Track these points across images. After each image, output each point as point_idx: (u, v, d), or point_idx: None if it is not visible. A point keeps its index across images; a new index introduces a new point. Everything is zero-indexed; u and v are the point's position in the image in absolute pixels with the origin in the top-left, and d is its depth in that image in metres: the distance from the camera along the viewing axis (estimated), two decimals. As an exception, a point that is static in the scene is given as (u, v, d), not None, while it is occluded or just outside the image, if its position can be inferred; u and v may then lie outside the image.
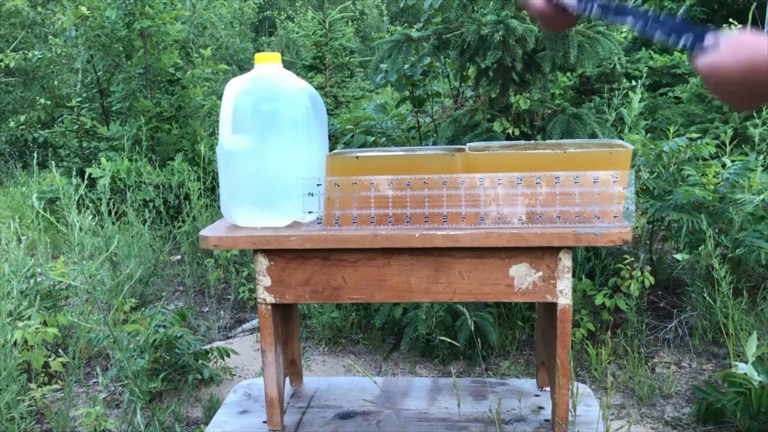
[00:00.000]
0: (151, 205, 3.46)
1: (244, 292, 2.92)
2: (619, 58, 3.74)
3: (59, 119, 5.37)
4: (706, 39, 0.79)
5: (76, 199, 2.39)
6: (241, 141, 1.04)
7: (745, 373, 1.76)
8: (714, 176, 2.46)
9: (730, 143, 2.73)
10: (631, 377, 2.10)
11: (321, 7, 5.29)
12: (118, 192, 3.73)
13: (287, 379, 1.30)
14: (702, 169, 2.50)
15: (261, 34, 14.63)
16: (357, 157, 1.02)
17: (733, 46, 0.76)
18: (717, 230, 2.34)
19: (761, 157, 2.83)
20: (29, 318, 2.10)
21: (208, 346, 2.32)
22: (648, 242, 2.70)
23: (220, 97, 2.79)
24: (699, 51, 0.79)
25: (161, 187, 3.60)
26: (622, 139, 1.86)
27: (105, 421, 1.79)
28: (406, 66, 2.72)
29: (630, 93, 2.77)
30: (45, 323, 2.16)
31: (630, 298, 2.28)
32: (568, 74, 3.84)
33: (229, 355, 2.21)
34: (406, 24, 11.04)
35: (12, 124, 6.08)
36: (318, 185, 1.00)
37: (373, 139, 3.02)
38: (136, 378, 1.85)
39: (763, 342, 2.09)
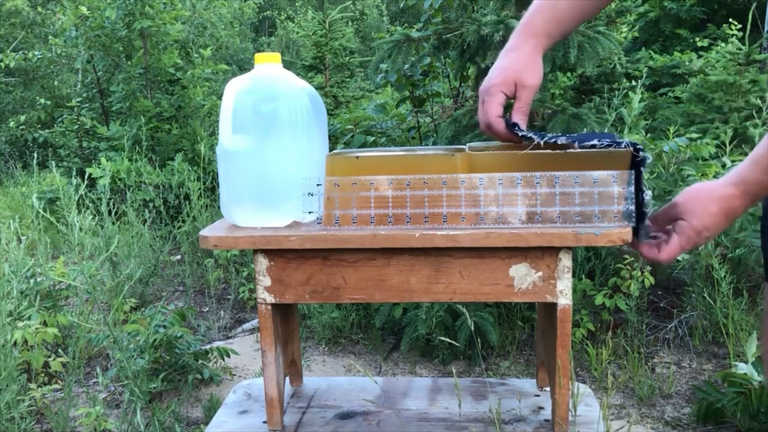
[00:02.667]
0: (151, 205, 3.46)
1: (244, 292, 2.92)
2: (619, 58, 3.74)
3: (59, 119, 5.37)
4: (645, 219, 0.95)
5: (76, 199, 2.39)
6: (241, 141, 1.04)
7: (745, 373, 1.76)
8: (714, 176, 2.46)
9: (730, 143, 2.73)
10: (631, 377, 2.10)
11: (321, 7, 5.28)
12: (118, 192, 3.72)
13: (287, 379, 1.29)
14: (702, 169, 2.50)
15: (261, 34, 14.62)
16: (357, 157, 1.01)
17: (701, 206, 0.91)
18: (717, 230, 2.33)
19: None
20: (29, 318, 2.10)
21: (208, 346, 2.32)
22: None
23: (220, 97, 2.79)
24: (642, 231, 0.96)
25: (161, 187, 3.60)
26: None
27: (105, 421, 1.79)
28: (406, 66, 2.72)
29: (630, 93, 2.77)
30: (45, 323, 2.16)
31: (630, 298, 2.28)
32: (568, 74, 3.84)
33: (229, 355, 2.21)
34: (406, 24, 11.03)
35: (12, 124, 6.08)
36: (318, 185, 1.00)
37: (373, 139, 3.02)
38: (136, 378, 1.85)
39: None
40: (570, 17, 1.01)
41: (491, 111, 0.99)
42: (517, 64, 0.99)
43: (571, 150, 0.95)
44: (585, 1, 1.00)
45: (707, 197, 0.90)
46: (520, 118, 1.00)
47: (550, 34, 1.00)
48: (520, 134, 0.98)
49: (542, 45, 1.00)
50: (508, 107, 1.02)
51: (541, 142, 0.96)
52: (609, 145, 0.94)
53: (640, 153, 0.93)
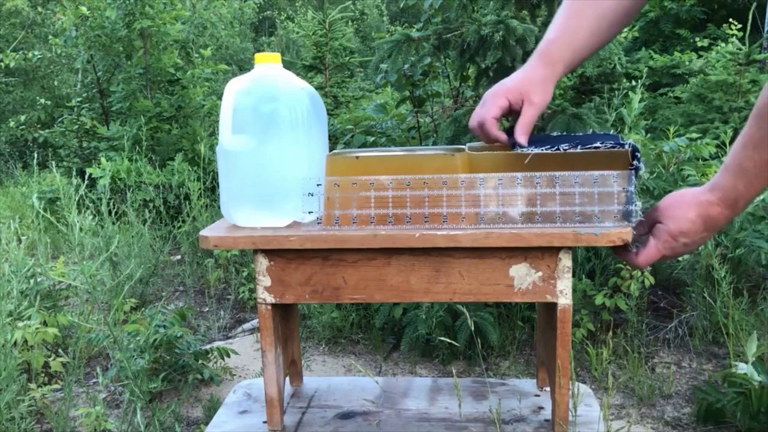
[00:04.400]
0: (151, 205, 3.46)
1: (244, 292, 2.92)
2: (619, 58, 3.74)
3: (59, 119, 5.38)
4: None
5: (76, 199, 2.39)
6: (240, 141, 1.04)
7: (745, 373, 1.76)
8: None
9: (730, 143, 2.73)
10: (631, 377, 2.10)
11: (321, 7, 5.29)
12: (118, 192, 3.73)
13: (287, 379, 1.30)
14: (702, 169, 2.50)
15: (261, 34, 14.61)
16: (357, 157, 1.01)
17: (680, 211, 0.90)
18: (717, 230, 2.34)
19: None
20: (29, 318, 2.11)
21: (208, 346, 2.32)
22: (648, 242, 2.70)
23: (220, 97, 2.79)
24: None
25: (161, 187, 3.60)
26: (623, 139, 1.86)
27: (105, 421, 1.79)
28: (406, 66, 2.72)
29: (630, 93, 2.77)
30: (45, 323, 2.16)
31: (630, 298, 2.28)
32: (568, 74, 3.84)
33: (229, 355, 2.21)
34: (406, 24, 11.03)
35: (12, 124, 6.09)
36: (318, 185, 1.00)
37: (373, 139, 3.02)
38: (136, 378, 1.85)
39: (763, 342, 2.09)
40: (587, 45, 1.00)
41: (490, 111, 0.99)
42: (530, 80, 0.99)
43: (572, 150, 0.95)
44: (601, 32, 1.00)
45: (687, 202, 0.90)
46: (521, 138, 0.98)
47: (566, 61, 0.99)
48: (519, 150, 0.96)
49: (558, 73, 1.00)
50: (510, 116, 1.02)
51: (543, 150, 0.95)
52: (612, 147, 0.94)
53: (635, 162, 0.93)
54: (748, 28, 4.00)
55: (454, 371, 1.33)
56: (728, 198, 0.86)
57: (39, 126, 6.54)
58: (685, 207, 0.89)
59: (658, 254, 0.93)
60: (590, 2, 0.98)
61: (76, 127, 4.80)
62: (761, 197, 2.27)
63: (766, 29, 5.72)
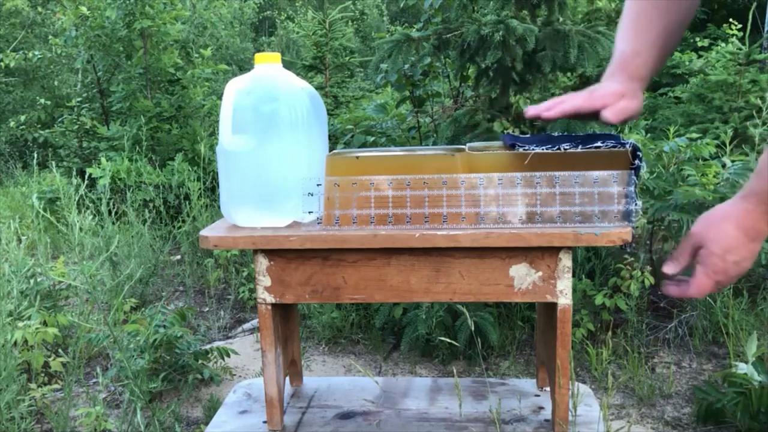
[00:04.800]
0: (151, 205, 3.46)
1: (244, 292, 2.92)
2: (619, 58, 3.73)
3: (59, 119, 5.37)
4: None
5: (76, 199, 2.39)
6: (240, 141, 1.04)
7: (745, 373, 1.76)
8: (714, 176, 2.45)
9: (730, 143, 2.73)
10: (631, 377, 2.10)
11: (321, 7, 5.29)
12: (118, 192, 3.72)
13: (287, 379, 1.30)
14: (702, 169, 2.49)
15: (261, 34, 14.60)
16: (357, 157, 1.02)
17: (715, 224, 0.86)
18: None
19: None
20: (29, 318, 2.11)
21: (208, 346, 2.32)
22: (648, 242, 2.70)
23: (220, 97, 2.79)
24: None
25: (161, 187, 3.60)
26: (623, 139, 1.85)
27: (105, 421, 1.79)
28: (406, 66, 2.72)
29: (630, 93, 2.76)
30: (45, 323, 2.16)
31: (630, 298, 2.28)
32: (569, 74, 3.84)
33: (229, 355, 2.21)
34: (406, 24, 11.02)
35: (12, 124, 6.09)
36: (318, 185, 1.00)
37: (373, 139, 3.02)
38: (136, 378, 1.85)
39: (763, 342, 2.09)
40: (661, 60, 0.98)
41: (607, 97, 0.92)
42: (628, 91, 0.94)
43: (572, 150, 0.95)
44: (671, 42, 0.98)
45: (720, 218, 0.85)
46: (610, 113, 0.91)
47: (647, 79, 0.97)
48: (521, 150, 0.96)
49: (641, 89, 0.97)
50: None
51: (544, 149, 0.95)
52: (613, 146, 0.94)
53: (636, 162, 0.93)
54: (748, 28, 4.00)
55: (454, 371, 1.33)
56: (764, 202, 0.83)
57: (39, 126, 6.53)
58: (720, 224, 0.85)
59: (711, 281, 0.86)
60: (657, 12, 0.95)
61: (76, 127, 4.80)
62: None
63: (766, 29, 5.72)
